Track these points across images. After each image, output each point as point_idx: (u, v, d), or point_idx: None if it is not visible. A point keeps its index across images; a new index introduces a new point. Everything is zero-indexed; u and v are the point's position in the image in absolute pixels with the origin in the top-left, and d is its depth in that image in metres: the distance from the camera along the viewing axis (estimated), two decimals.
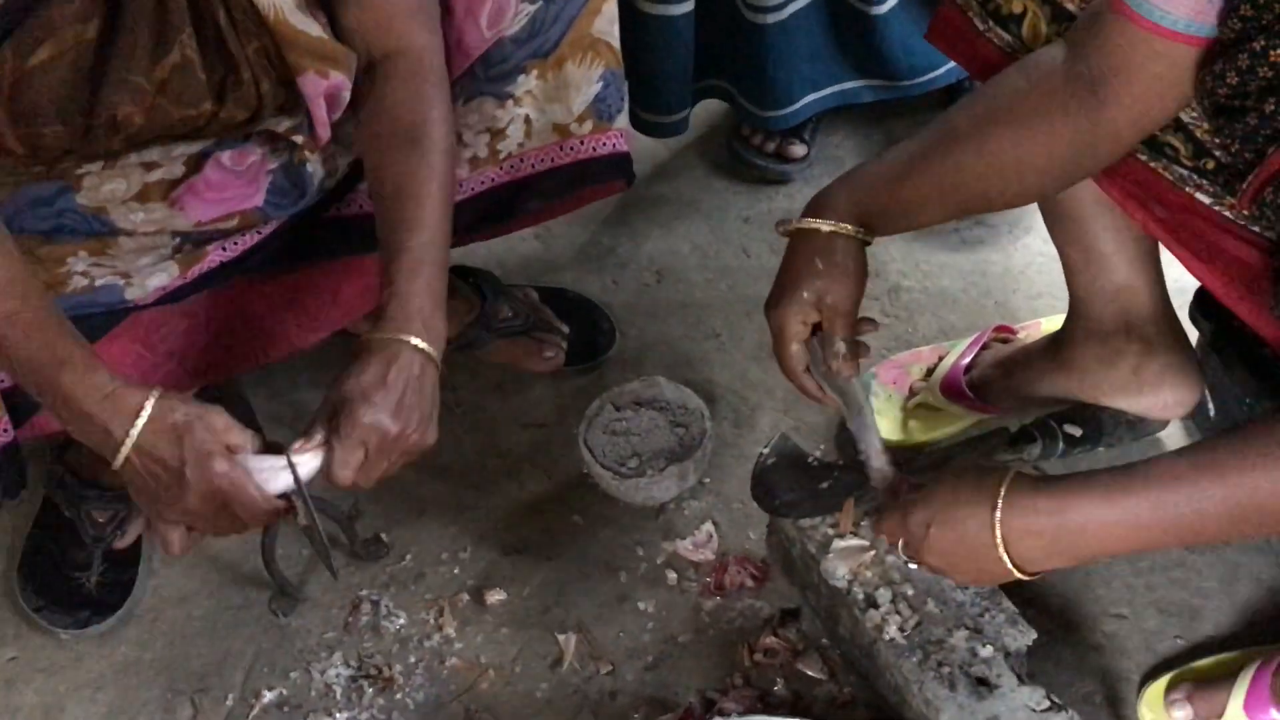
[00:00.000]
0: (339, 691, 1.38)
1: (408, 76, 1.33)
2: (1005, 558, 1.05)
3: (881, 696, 1.29)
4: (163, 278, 1.36)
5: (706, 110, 2.01)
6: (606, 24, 1.42)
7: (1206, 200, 1.14)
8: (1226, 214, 1.13)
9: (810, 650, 1.36)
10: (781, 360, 1.20)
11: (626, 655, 1.40)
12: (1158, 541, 1.05)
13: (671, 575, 1.46)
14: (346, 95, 1.32)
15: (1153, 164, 1.18)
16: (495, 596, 1.45)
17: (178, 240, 1.35)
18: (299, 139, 1.34)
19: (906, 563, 1.17)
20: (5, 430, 1.32)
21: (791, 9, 1.69)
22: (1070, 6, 1.17)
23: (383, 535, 1.51)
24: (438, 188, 1.31)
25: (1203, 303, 1.46)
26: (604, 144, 1.46)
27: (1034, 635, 1.23)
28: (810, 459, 1.22)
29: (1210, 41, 1.02)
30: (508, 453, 1.60)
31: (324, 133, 1.34)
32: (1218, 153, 1.12)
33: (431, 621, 1.43)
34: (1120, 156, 1.15)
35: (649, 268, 1.81)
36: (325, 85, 1.29)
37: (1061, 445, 1.45)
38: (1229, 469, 0.99)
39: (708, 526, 1.49)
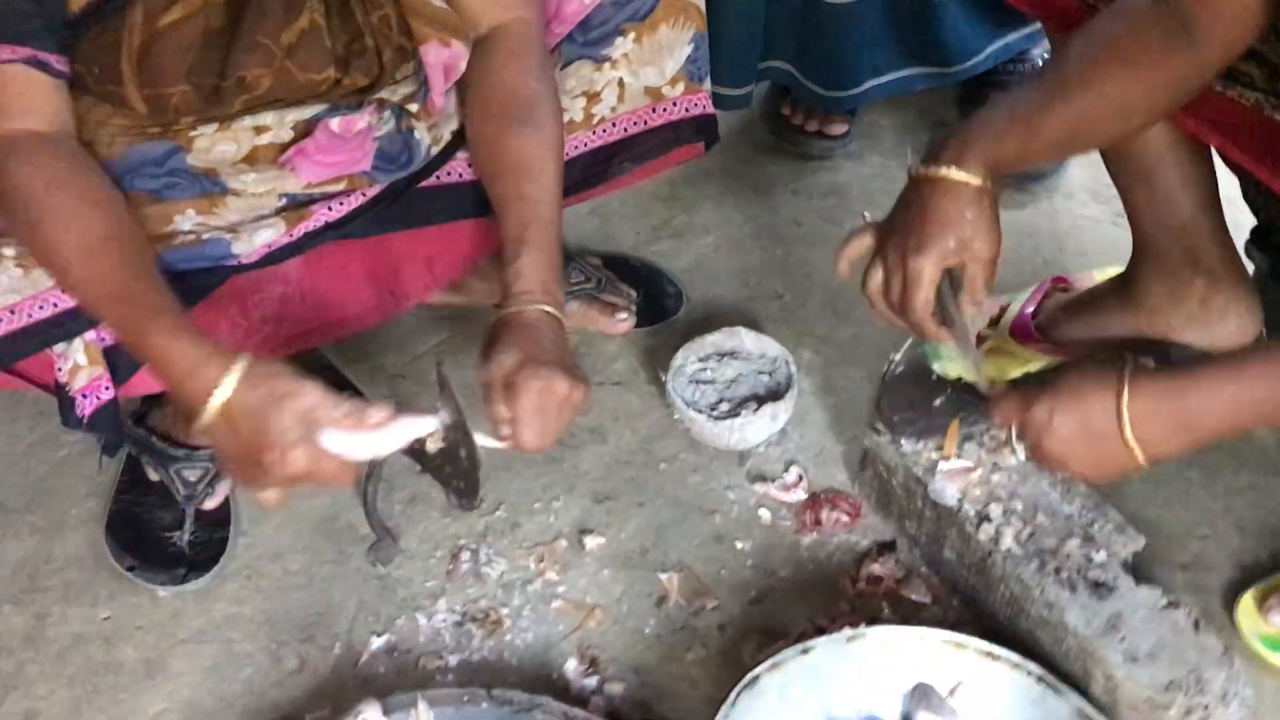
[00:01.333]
0: (447, 635, 1.39)
1: (517, 51, 1.37)
2: (1131, 440, 1.10)
3: (991, 615, 1.32)
4: (269, 234, 1.37)
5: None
6: None
7: None
8: None
9: (913, 577, 1.40)
10: (913, 302, 1.22)
11: (730, 591, 1.42)
12: (1272, 417, 1.13)
13: (765, 515, 1.49)
14: (463, 65, 1.36)
15: (1229, 92, 1.25)
16: (593, 541, 1.46)
17: (284, 200, 1.37)
18: (413, 107, 1.37)
19: (1018, 454, 1.19)
20: (107, 388, 1.32)
21: None
22: None
23: None
24: (552, 163, 1.36)
25: (1258, 238, 1.54)
26: (695, 105, 1.51)
27: (1143, 540, 1.28)
28: (933, 375, 1.26)
29: None
30: (587, 411, 1.61)
31: (439, 101, 1.37)
32: None
33: (533, 567, 1.45)
34: (1211, 80, 1.23)
35: (705, 237, 1.85)
36: (446, 54, 1.33)
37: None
38: None
39: (796, 469, 1.52)
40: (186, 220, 1.34)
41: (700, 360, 1.57)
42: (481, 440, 1.22)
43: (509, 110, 1.36)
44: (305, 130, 1.35)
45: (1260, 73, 1.22)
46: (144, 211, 1.32)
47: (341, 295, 1.48)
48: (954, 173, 1.20)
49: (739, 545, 1.46)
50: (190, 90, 1.25)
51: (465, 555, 1.46)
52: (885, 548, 1.43)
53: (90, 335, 1.30)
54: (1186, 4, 1.14)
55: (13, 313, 1.26)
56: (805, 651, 1.21)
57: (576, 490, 1.53)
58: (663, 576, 1.43)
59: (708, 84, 1.51)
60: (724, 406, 1.53)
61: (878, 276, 1.26)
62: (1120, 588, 1.23)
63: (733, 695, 1.16)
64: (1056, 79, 1.22)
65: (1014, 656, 1.21)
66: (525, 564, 1.45)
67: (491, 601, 1.42)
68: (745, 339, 1.57)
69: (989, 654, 1.22)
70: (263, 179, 1.35)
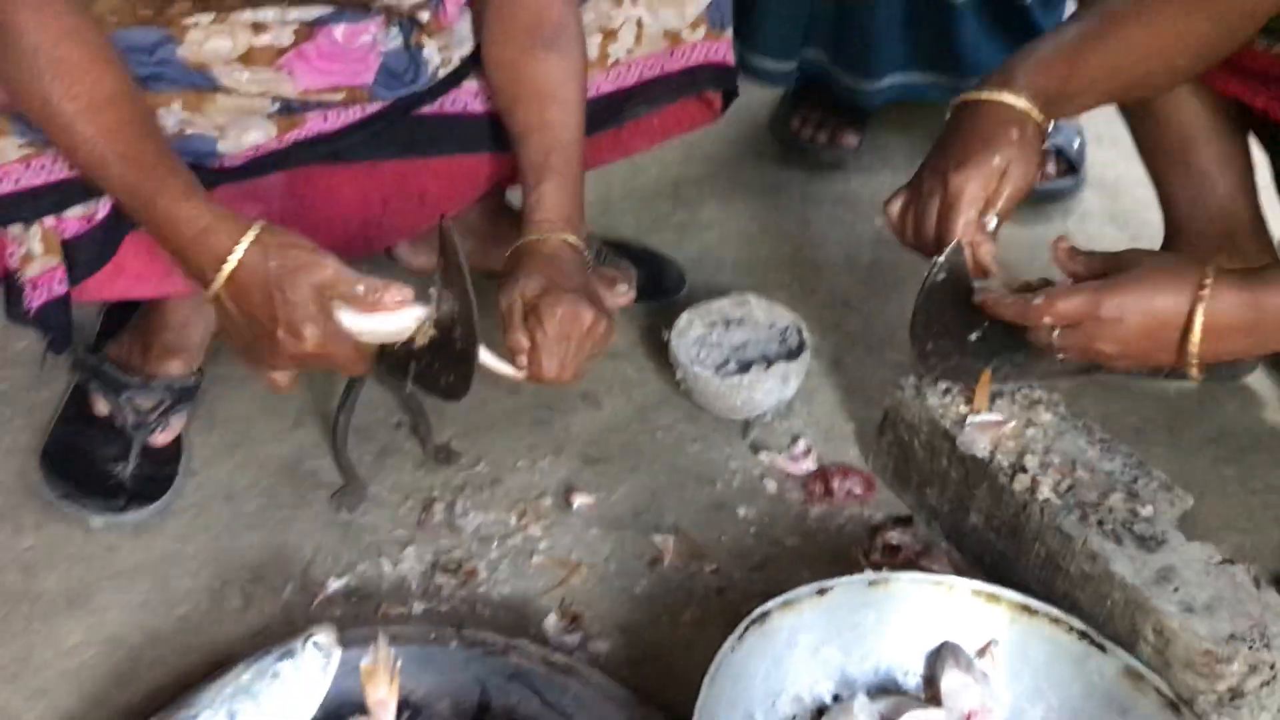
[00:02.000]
0: (414, 583, 1.24)
1: None
2: (1194, 346, 1.03)
3: (1022, 584, 1.19)
4: (258, 135, 1.28)
5: (749, 108, 2.03)
6: None
7: None
8: None
9: (933, 549, 1.27)
10: (954, 222, 1.13)
11: (731, 557, 1.28)
12: None
13: (771, 485, 1.36)
14: None
15: (1274, 49, 1.21)
16: (581, 499, 1.33)
17: (277, 105, 1.28)
18: (424, 16, 1.30)
19: (1057, 352, 1.09)
20: (61, 281, 1.20)
21: None
22: None
23: (452, 444, 1.39)
24: (576, 90, 1.31)
25: None
26: (715, 51, 1.45)
27: (1190, 500, 1.17)
28: (974, 291, 1.16)
29: None
30: (610, 345, 1.49)
31: (453, 10, 1.31)
32: None
33: (513, 522, 1.31)
34: (1263, 21, 1.18)
35: (709, 231, 1.77)
36: None
37: None
38: None
39: (805, 441, 1.40)
40: (171, 115, 1.24)
41: (707, 325, 1.46)
42: (493, 363, 1.13)
43: (534, 32, 1.30)
44: (306, 35, 1.28)
45: None
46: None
47: (325, 222, 1.37)
48: (1000, 95, 1.14)
49: (741, 512, 1.33)
50: None
51: (439, 507, 1.32)
52: (901, 521, 1.31)
53: (50, 221, 1.19)
54: None
55: None
56: (821, 592, 1.07)
57: (565, 452, 1.40)
58: (656, 538, 1.29)
59: (729, 32, 1.45)
60: (731, 366, 1.42)
61: (903, 199, 1.18)
62: (1170, 541, 1.11)
63: (740, 628, 1.02)
64: (1105, 10, 1.17)
65: (1053, 611, 1.08)
66: (505, 518, 1.31)
67: (465, 552, 1.27)
68: (755, 306, 1.47)
69: (1025, 607, 1.09)
70: (256, 79, 1.26)
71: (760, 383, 1.37)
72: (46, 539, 1.27)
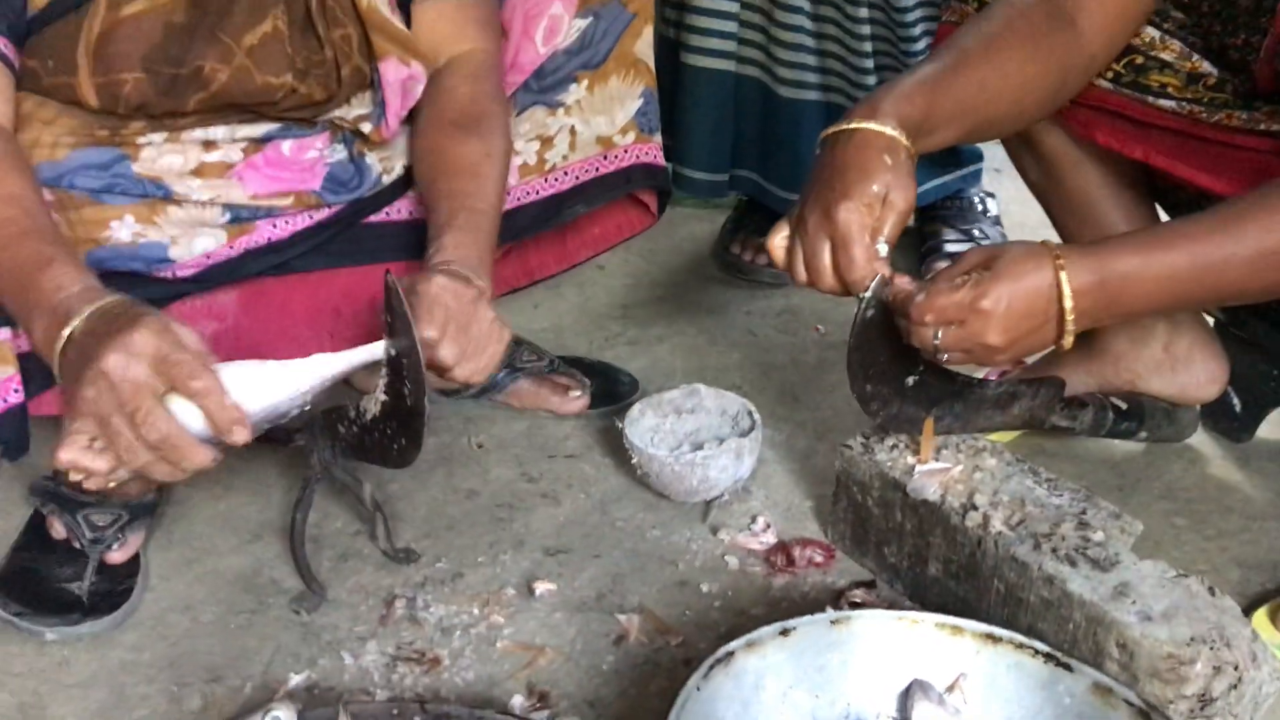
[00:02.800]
0: (376, 674, 1.22)
1: (474, 73, 1.41)
2: (1070, 318, 1.09)
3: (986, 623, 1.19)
4: (209, 242, 1.34)
5: (691, 239, 2.13)
6: (645, 47, 1.54)
7: (1205, 116, 1.25)
8: (1227, 121, 1.24)
9: (898, 606, 1.27)
10: (851, 253, 1.14)
11: (696, 630, 1.27)
12: (1190, 293, 1.12)
13: (733, 561, 1.37)
14: (419, 89, 1.39)
15: (1148, 100, 1.30)
16: (544, 586, 1.32)
17: (228, 216, 1.34)
18: (366, 128, 1.38)
19: (938, 353, 1.12)
20: (17, 390, 1.23)
21: (811, 96, 1.87)
22: None
23: (411, 545, 1.39)
24: (493, 169, 1.36)
25: None
26: (645, 153, 1.53)
27: (1140, 526, 1.18)
28: (905, 339, 1.19)
29: None
30: (539, 478, 1.52)
31: (394, 123, 1.39)
32: (1207, 63, 1.25)
33: (476, 612, 1.30)
34: (1097, 71, 1.28)
35: (659, 345, 1.82)
36: (405, 74, 1.36)
37: (1110, 415, 1.46)
38: (1251, 218, 1.08)
39: (764, 517, 1.42)
40: (124, 228, 1.30)
41: (659, 415, 1.49)
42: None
43: (456, 120, 1.37)
44: (255, 150, 1.35)
45: (1178, 80, 1.28)
46: (81, 213, 1.28)
47: (278, 335, 1.41)
48: (869, 123, 1.18)
49: (704, 588, 1.33)
50: (145, 79, 1.25)
51: (400, 603, 1.31)
52: (864, 584, 1.31)
53: (4, 333, 1.22)
54: None
55: None
56: (785, 633, 1.07)
57: (526, 546, 1.40)
58: (621, 618, 1.29)
59: (658, 137, 1.54)
60: (684, 448, 1.44)
61: (785, 235, 1.21)
62: (1124, 561, 1.12)
63: (705, 666, 1.02)
64: (958, 50, 1.24)
65: (1017, 637, 1.07)
66: (468, 609, 1.30)
67: (428, 643, 1.26)
68: (705, 395, 1.50)
69: (989, 636, 1.08)
70: (208, 186, 1.32)
71: (715, 459, 1.39)
72: None
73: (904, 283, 1.14)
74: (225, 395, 1.03)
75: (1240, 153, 1.25)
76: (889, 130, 1.18)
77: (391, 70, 1.35)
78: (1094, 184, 1.44)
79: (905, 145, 1.19)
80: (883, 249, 1.16)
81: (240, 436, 1.05)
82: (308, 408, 1.12)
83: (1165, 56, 1.29)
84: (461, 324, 1.15)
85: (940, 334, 1.09)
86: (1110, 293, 1.09)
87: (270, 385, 1.05)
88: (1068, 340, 1.11)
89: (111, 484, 1.06)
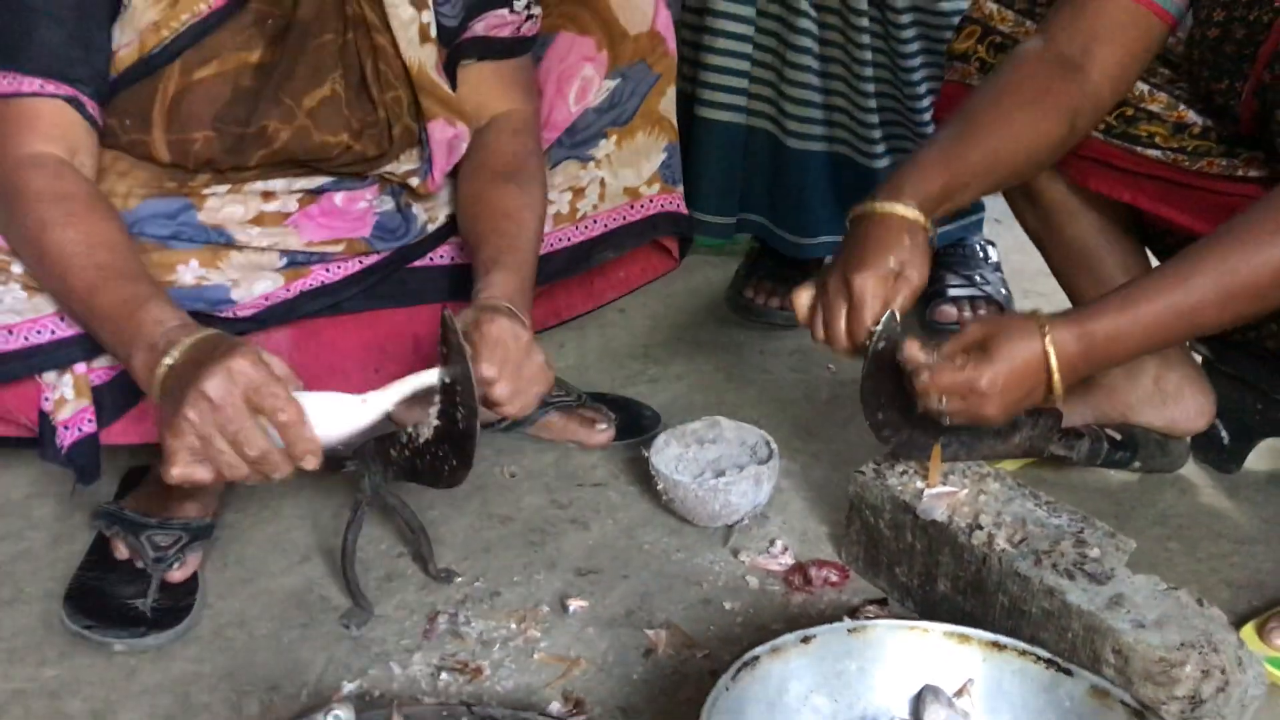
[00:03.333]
0: (423, 682, 1.30)
1: (516, 130, 1.53)
2: (1057, 384, 1.22)
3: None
4: (267, 285, 1.43)
5: (707, 284, 2.23)
6: (669, 104, 1.65)
7: (1188, 164, 1.36)
8: (1209, 168, 1.35)
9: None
10: (863, 316, 1.28)
11: (721, 643, 1.36)
12: (1169, 336, 1.24)
13: (753, 581, 1.46)
14: (464, 147, 1.50)
15: (1137, 150, 1.41)
16: (577, 604, 1.41)
17: (285, 260, 1.45)
18: (414, 182, 1.48)
19: (943, 416, 1.24)
20: (90, 421, 1.32)
21: (817, 147, 1.98)
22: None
23: (451, 567, 1.48)
24: (533, 217, 1.47)
25: None
26: (669, 202, 1.64)
27: (1134, 544, 1.28)
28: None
29: (1174, 20, 1.32)
30: (568, 505, 1.61)
31: (439, 179, 1.49)
32: (1193, 112, 1.36)
33: (514, 627, 1.39)
34: (1105, 112, 1.39)
35: (678, 382, 1.92)
36: (451, 133, 1.47)
37: (1105, 445, 1.55)
38: (1210, 259, 1.19)
39: (782, 541, 1.51)
40: (189, 271, 1.40)
41: (682, 444, 1.59)
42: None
43: (497, 170, 1.48)
44: (310, 201, 1.45)
45: (1165, 130, 1.39)
46: (149, 258, 1.38)
47: (328, 372, 1.50)
48: (892, 206, 1.30)
49: (727, 606, 1.42)
50: (214, 136, 1.36)
51: (443, 618, 1.40)
52: (876, 602, 1.40)
53: (80, 368, 1.32)
54: (1081, 37, 1.34)
55: (10, 333, 1.28)
56: (806, 640, 1.16)
57: (558, 567, 1.49)
58: (649, 632, 1.37)
59: (680, 187, 1.65)
60: (707, 475, 1.53)
61: (810, 295, 1.33)
62: (1119, 575, 1.21)
63: (733, 669, 1.11)
64: (970, 121, 1.35)
65: (1020, 644, 1.16)
66: (506, 624, 1.39)
67: (470, 655, 1.34)
68: (725, 427, 1.60)
69: (994, 644, 1.17)
70: (266, 233, 1.43)
71: (736, 485, 1.48)
72: (70, 667, 1.33)
73: (914, 351, 1.25)
74: (305, 426, 1.14)
75: (1220, 197, 1.36)
76: (910, 213, 1.30)
77: (439, 130, 1.46)
78: (1089, 233, 1.55)
79: (924, 227, 1.31)
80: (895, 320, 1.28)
81: (311, 464, 1.15)
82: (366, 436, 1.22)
83: (1153, 108, 1.40)
84: (515, 364, 1.25)
85: (945, 402, 1.22)
86: (1096, 353, 1.21)
87: (343, 415, 1.17)
88: (1057, 398, 1.23)
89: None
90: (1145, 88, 1.40)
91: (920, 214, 1.30)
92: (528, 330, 1.27)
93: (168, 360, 1.15)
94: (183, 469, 1.14)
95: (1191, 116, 1.38)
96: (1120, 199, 1.43)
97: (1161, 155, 1.38)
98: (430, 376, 1.21)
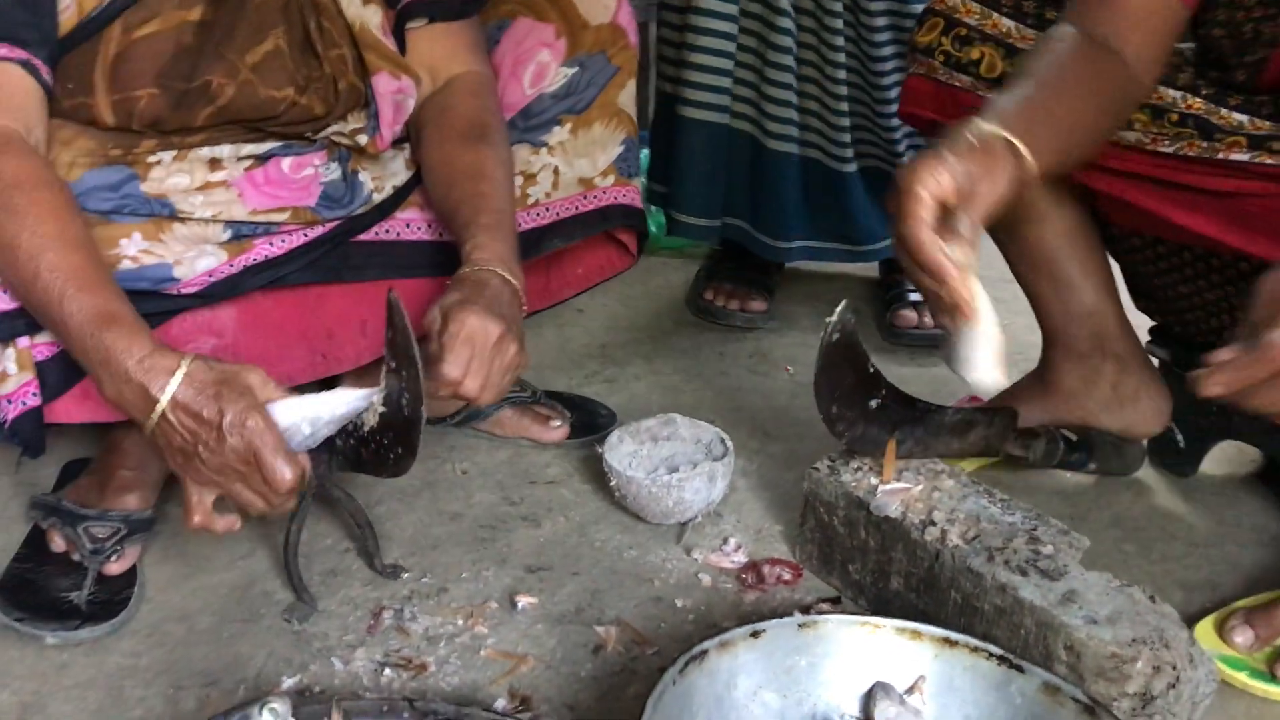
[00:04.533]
0: (365, 678, 1.27)
1: (474, 89, 1.51)
2: None
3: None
4: (210, 261, 1.40)
5: (666, 287, 2.22)
6: (628, 99, 1.63)
7: (1168, 146, 1.34)
8: (1188, 150, 1.33)
9: None
10: (911, 222, 1.08)
11: (671, 640, 1.34)
12: None
13: (706, 578, 1.43)
14: (410, 103, 1.48)
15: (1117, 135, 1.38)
16: (526, 600, 1.39)
17: (229, 233, 1.41)
18: (363, 140, 1.45)
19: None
20: (35, 394, 1.30)
21: (792, 149, 1.99)
22: (1019, 44, 1.43)
23: (398, 562, 1.45)
24: (505, 175, 1.47)
25: (1156, 335, 1.65)
26: (623, 195, 1.62)
27: (1088, 542, 1.26)
28: (869, 364, 1.28)
29: (1194, 4, 1.29)
30: (520, 502, 1.59)
31: (388, 134, 1.47)
32: (1171, 93, 1.34)
33: (461, 623, 1.36)
34: (1145, 97, 1.33)
35: (636, 382, 1.90)
36: (395, 86, 1.45)
37: (1061, 446, 1.55)
38: None
39: (735, 539, 1.49)
40: (132, 245, 1.37)
41: (637, 441, 1.57)
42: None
43: (464, 132, 1.46)
44: (257, 166, 1.42)
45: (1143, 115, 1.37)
46: (93, 231, 1.35)
47: (274, 352, 1.48)
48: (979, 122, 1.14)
49: (679, 603, 1.39)
50: (158, 93, 1.32)
51: (388, 614, 1.36)
52: (830, 601, 1.38)
53: (24, 341, 1.29)
54: (1111, 25, 1.27)
55: None
56: (755, 634, 1.14)
57: (508, 563, 1.46)
58: (599, 629, 1.35)
59: (637, 181, 1.63)
60: (660, 471, 1.51)
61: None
62: (1072, 572, 1.20)
63: (681, 661, 1.08)
64: (1044, 83, 1.23)
65: (972, 641, 1.14)
66: (453, 620, 1.36)
67: (415, 651, 1.31)
68: (680, 424, 1.58)
69: (946, 640, 1.15)
70: (210, 202, 1.39)
71: (690, 482, 1.46)
72: (0, 660, 1.30)
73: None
74: (283, 472, 1.17)
75: (1222, 195, 1.34)
76: (989, 127, 1.15)
77: (383, 83, 1.44)
78: (1051, 236, 1.54)
79: (1002, 136, 1.14)
80: (962, 224, 1.10)
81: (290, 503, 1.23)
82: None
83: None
84: (484, 360, 1.24)
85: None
86: None
87: (312, 416, 1.19)
88: None
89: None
90: None
91: (1000, 129, 1.14)
92: (500, 323, 1.26)
93: (155, 415, 1.18)
94: (202, 519, 1.22)
95: (1171, 94, 1.33)
96: (1096, 186, 1.40)
97: (1140, 137, 1.35)
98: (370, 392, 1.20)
